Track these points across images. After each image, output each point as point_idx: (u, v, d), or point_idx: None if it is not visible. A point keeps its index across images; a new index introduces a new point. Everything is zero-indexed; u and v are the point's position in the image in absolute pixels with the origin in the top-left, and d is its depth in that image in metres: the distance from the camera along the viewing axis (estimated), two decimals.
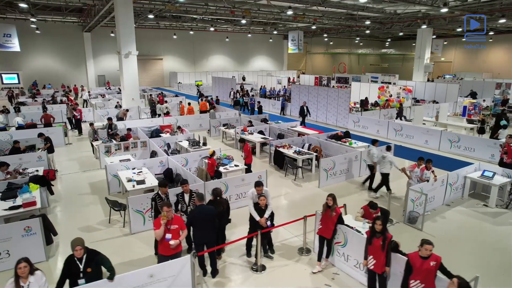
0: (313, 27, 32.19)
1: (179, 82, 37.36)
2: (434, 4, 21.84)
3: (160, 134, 13.70)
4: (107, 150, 11.44)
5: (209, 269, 5.91)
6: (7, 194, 7.55)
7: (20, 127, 14.78)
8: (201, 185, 7.80)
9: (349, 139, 12.59)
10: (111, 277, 4.45)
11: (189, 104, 21.92)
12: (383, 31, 35.11)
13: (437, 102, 21.89)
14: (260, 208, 6.05)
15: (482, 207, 8.66)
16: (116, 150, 11.57)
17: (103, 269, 4.65)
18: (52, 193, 8.76)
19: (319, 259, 6.10)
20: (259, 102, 21.33)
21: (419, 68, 30.75)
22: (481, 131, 15.17)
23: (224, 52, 44.13)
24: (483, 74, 38.50)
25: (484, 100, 20.65)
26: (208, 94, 28.54)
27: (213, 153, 9.51)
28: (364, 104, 21.37)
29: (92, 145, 12.64)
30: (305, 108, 17.04)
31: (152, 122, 15.97)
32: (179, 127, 13.53)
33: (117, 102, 19.65)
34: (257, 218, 6.00)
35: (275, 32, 40.38)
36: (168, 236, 5.06)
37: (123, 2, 17.65)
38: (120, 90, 30.45)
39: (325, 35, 40.95)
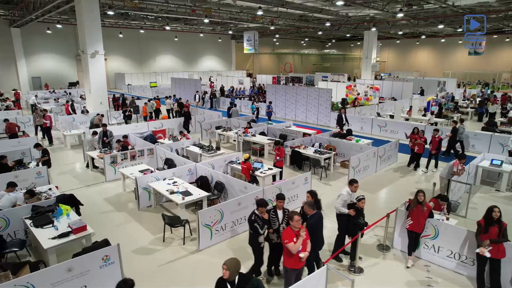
0: (272, 27, 32.65)
1: (129, 84, 34.90)
2: (385, 9, 23.77)
3: (157, 140, 12.73)
4: (113, 161, 10.26)
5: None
6: (41, 221, 6.37)
7: None
8: (260, 191, 7.47)
9: (353, 137, 13.11)
10: None
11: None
12: (331, 32, 37.03)
13: (395, 99, 23.91)
14: (356, 209, 6.03)
15: (495, 192, 9.75)
16: (122, 160, 10.44)
17: None
18: (79, 214, 7.57)
19: (410, 254, 6.31)
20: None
21: (367, 68, 33.37)
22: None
23: (172, 52, 42.42)
24: (413, 73, 43.04)
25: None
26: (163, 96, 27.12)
27: (249, 157, 9.16)
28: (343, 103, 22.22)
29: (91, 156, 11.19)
30: (343, 116, 15.22)
31: (137, 127, 14.73)
32: (181, 132, 12.70)
33: (84, 107, 17.65)
34: (346, 211, 6.04)
35: (230, 32, 40.04)
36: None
37: None
38: (66, 93, 27.65)
39: (276, 36, 41.75)
